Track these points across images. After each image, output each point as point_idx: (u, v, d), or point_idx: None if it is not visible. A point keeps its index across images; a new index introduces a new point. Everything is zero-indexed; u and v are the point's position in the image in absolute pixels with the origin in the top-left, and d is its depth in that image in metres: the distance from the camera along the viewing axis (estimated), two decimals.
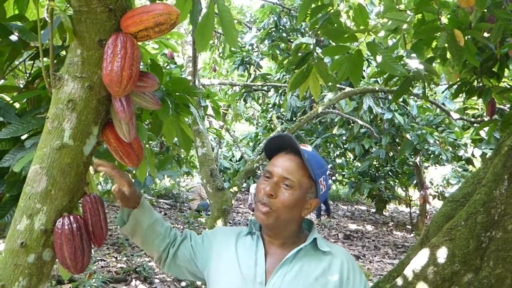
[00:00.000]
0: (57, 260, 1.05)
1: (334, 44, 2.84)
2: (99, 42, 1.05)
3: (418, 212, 9.52)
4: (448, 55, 3.04)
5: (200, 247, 1.35)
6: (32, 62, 1.63)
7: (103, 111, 1.11)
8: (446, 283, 2.21)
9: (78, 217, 1.05)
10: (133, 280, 3.95)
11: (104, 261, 4.54)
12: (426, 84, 3.26)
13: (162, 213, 8.25)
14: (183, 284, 4.06)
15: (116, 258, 4.70)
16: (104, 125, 1.14)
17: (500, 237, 2.10)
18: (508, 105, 3.54)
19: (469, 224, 2.21)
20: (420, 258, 2.35)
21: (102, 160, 1.18)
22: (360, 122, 6.29)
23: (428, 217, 9.27)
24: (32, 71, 1.58)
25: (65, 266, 1.03)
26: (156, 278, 4.12)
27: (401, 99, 6.82)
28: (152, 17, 1.01)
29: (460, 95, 3.63)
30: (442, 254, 2.25)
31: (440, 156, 6.59)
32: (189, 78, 4.75)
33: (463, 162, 7.00)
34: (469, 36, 2.71)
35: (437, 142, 6.59)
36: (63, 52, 1.47)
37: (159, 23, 1.02)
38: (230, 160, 11.17)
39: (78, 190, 1.08)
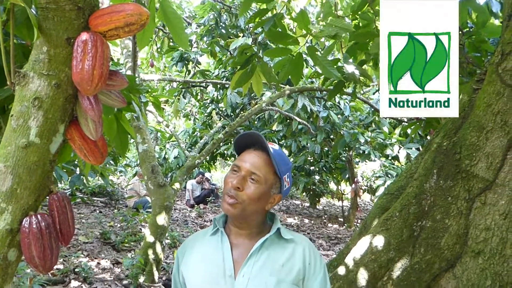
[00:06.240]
0: (23, 258, 1.04)
1: (274, 46, 2.98)
2: (67, 40, 1.04)
3: (349, 205, 10.01)
4: None
5: (177, 272, 1.39)
6: None
7: (70, 109, 1.10)
8: (382, 269, 2.41)
9: (46, 215, 1.04)
10: (72, 281, 3.81)
11: None
12: (357, 85, 3.52)
13: (97, 211, 7.94)
14: (125, 282, 3.99)
15: None
16: (69, 123, 1.13)
17: (429, 226, 2.32)
18: None
19: (403, 215, 2.42)
20: (360, 247, 2.53)
21: None
22: (298, 119, 6.52)
23: (358, 210, 9.79)
24: None
25: (33, 265, 1.01)
26: (96, 278, 4.00)
27: (336, 100, 7.21)
28: (123, 17, 1.03)
29: None
30: (379, 243, 2.45)
31: (370, 156, 7.04)
32: (129, 73, 4.65)
33: (391, 159, 7.49)
34: None
35: (368, 142, 7.03)
36: None
37: (130, 23, 1.04)
38: (164, 158, 10.65)
39: (44, 188, 1.07)
